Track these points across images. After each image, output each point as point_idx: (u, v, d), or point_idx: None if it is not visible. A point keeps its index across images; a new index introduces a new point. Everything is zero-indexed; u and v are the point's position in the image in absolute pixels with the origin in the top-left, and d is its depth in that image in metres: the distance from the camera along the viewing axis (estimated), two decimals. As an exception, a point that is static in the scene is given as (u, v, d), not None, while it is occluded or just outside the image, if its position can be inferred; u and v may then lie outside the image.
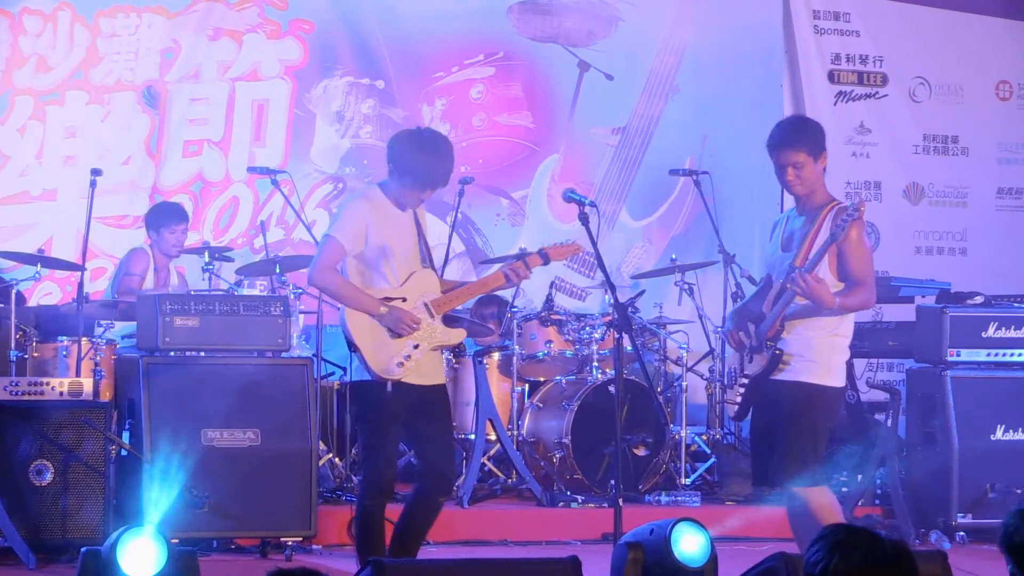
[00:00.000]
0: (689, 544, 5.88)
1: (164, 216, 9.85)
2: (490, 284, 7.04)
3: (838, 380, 6.67)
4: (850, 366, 7.75)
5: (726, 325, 7.00)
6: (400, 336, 6.67)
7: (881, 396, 9.99)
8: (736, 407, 6.81)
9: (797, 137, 6.65)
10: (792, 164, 6.61)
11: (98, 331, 9.20)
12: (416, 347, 6.72)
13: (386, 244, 6.71)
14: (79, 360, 8.84)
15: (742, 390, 6.73)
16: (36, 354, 8.93)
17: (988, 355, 9.33)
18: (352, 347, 6.72)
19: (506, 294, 9.79)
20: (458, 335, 7.02)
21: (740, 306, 6.98)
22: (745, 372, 6.73)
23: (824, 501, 6.56)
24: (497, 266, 8.22)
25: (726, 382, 6.81)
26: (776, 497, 6.74)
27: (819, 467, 6.59)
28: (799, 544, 6.53)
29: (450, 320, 7.06)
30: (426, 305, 6.79)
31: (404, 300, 6.73)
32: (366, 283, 6.73)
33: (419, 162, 6.67)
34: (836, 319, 6.61)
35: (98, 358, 8.87)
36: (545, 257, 6.95)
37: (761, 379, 6.64)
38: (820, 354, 6.58)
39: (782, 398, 6.59)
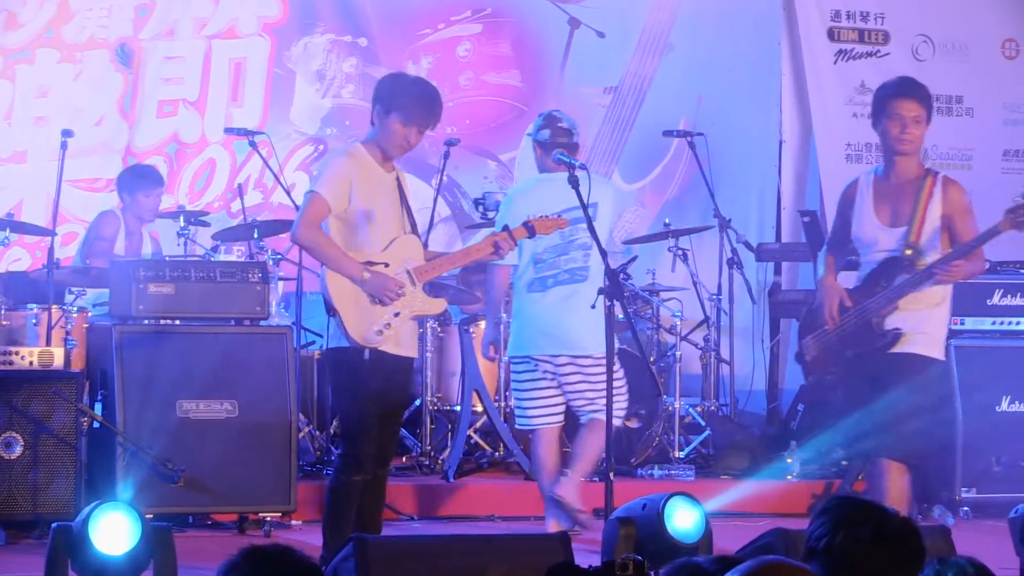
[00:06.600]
0: (683, 519, 5.87)
1: (139, 179, 9.76)
2: (474, 254, 6.94)
3: (944, 354, 6.62)
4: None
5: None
6: (383, 304, 6.51)
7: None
8: (809, 357, 6.73)
9: (921, 92, 6.45)
10: (914, 117, 6.39)
11: (69, 298, 9.14)
12: (397, 315, 6.59)
13: (369, 206, 6.58)
14: (49, 328, 8.73)
15: (816, 343, 6.62)
16: (5, 322, 8.82)
17: (993, 323, 9.26)
18: (331, 311, 6.58)
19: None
20: (439, 304, 6.92)
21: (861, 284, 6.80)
22: (825, 327, 6.61)
23: (906, 483, 6.51)
24: (483, 232, 8.09)
25: (804, 339, 6.73)
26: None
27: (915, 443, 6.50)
28: None
29: (434, 288, 6.89)
30: (408, 272, 6.66)
31: (386, 266, 6.60)
32: (348, 246, 6.59)
33: (409, 93, 6.55)
34: (943, 290, 6.52)
35: (69, 326, 8.76)
36: (531, 230, 6.85)
37: (875, 354, 6.49)
38: (934, 326, 6.51)
39: (896, 371, 6.46)
